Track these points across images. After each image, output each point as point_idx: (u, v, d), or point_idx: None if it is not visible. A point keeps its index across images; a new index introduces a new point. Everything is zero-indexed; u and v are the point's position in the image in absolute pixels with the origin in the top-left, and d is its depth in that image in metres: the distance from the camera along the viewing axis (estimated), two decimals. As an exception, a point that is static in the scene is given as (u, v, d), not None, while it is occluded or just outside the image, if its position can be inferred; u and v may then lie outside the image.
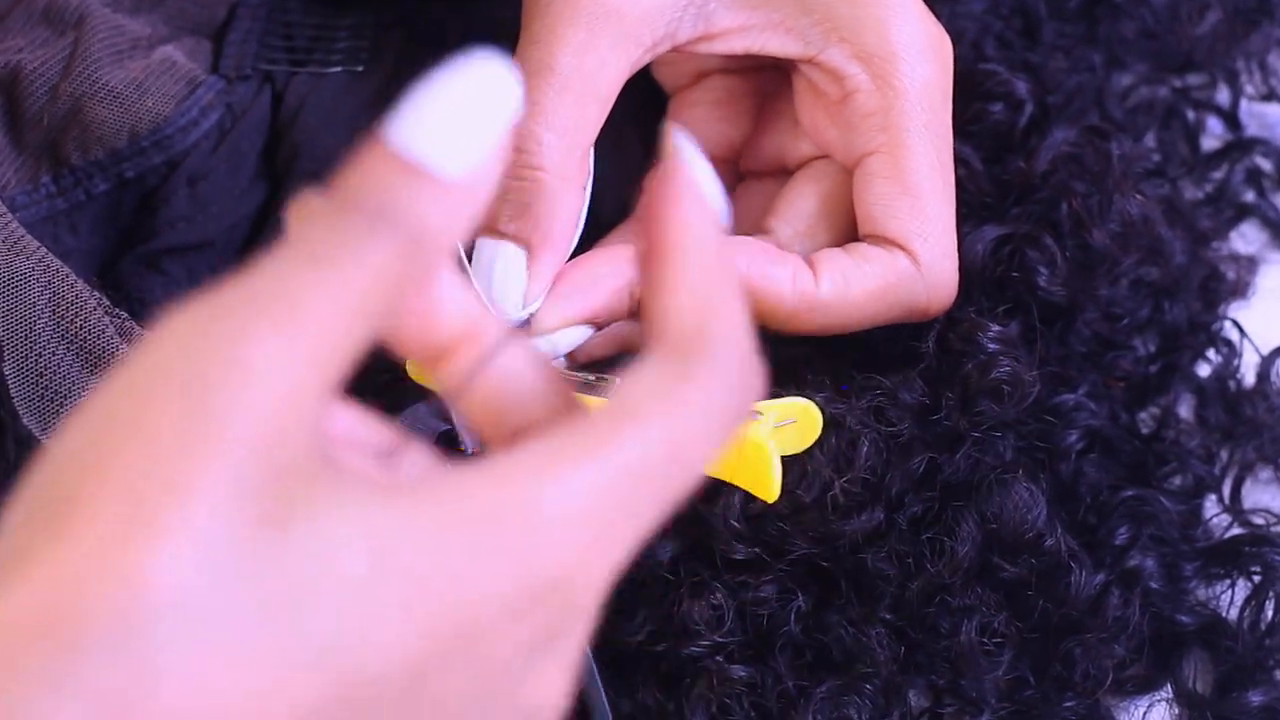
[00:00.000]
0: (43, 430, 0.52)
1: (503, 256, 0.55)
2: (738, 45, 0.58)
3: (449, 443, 0.55)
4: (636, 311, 0.58)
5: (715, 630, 0.54)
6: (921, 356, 0.57)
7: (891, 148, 0.57)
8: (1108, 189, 0.62)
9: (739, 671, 0.54)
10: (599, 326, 0.57)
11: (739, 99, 0.64)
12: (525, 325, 0.56)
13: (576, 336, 0.57)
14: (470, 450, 0.55)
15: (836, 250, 0.58)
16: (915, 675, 0.57)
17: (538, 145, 0.55)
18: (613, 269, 0.57)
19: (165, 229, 0.62)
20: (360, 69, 0.64)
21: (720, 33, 0.58)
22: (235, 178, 0.63)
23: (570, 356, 0.58)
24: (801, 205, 0.60)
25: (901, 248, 0.57)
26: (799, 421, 0.53)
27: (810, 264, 0.57)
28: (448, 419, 0.55)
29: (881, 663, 0.55)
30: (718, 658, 0.54)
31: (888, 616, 0.56)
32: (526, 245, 0.55)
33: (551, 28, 0.55)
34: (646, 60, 0.57)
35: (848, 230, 0.60)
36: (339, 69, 0.64)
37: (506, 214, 0.55)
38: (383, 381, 0.58)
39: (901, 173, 0.57)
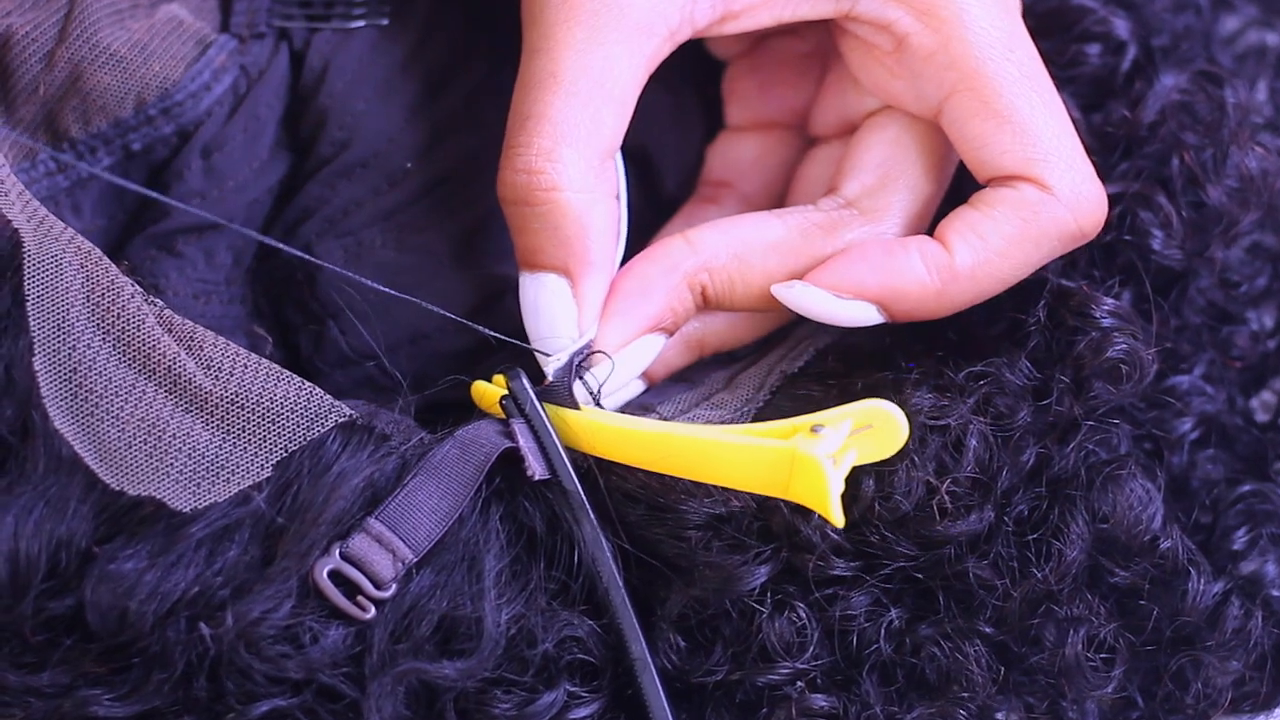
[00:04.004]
0: (76, 432, 0.47)
1: (545, 289, 0.51)
2: (764, 19, 0.54)
3: (512, 463, 0.50)
4: (704, 305, 0.53)
5: (798, 655, 0.49)
6: (1027, 335, 0.52)
7: (968, 83, 0.52)
8: (1223, 141, 0.56)
9: (820, 701, 0.49)
10: (670, 332, 0.53)
11: (798, 60, 0.59)
12: (589, 351, 0.51)
13: (649, 349, 0.53)
14: (536, 475, 0.49)
15: (960, 210, 0.52)
16: (1011, 697, 0.51)
17: (551, 163, 0.50)
18: (662, 265, 0.52)
19: (178, 207, 0.56)
20: (385, 22, 0.58)
21: (743, 9, 0.53)
22: (254, 148, 0.57)
23: (647, 374, 0.54)
24: (867, 159, 0.55)
25: (1023, 179, 0.52)
26: (877, 427, 0.47)
27: (938, 237, 0.52)
28: (513, 439, 0.50)
29: (979, 684, 0.50)
30: (799, 684, 0.49)
31: (987, 630, 0.50)
32: (565, 272, 0.51)
33: (549, 33, 0.51)
34: (668, 51, 0.53)
35: (921, 179, 0.55)
36: (362, 23, 0.58)
37: (537, 244, 0.51)
38: (448, 392, 0.53)
39: (989, 104, 0.52)
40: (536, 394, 0.50)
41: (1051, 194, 0.51)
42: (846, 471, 0.46)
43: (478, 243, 0.57)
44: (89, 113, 0.56)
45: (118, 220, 0.57)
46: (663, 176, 0.58)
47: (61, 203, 0.56)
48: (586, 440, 0.50)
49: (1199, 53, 0.61)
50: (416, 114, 0.57)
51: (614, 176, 0.52)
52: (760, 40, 0.59)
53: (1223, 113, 0.56)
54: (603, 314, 0.52)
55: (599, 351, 0.51)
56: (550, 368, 0.51)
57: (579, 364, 0.51)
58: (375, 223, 0.56)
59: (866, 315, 0.52)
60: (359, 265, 0.56)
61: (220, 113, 0.57)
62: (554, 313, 0.51)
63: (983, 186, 0.53)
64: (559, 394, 0.51)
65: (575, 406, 0.51)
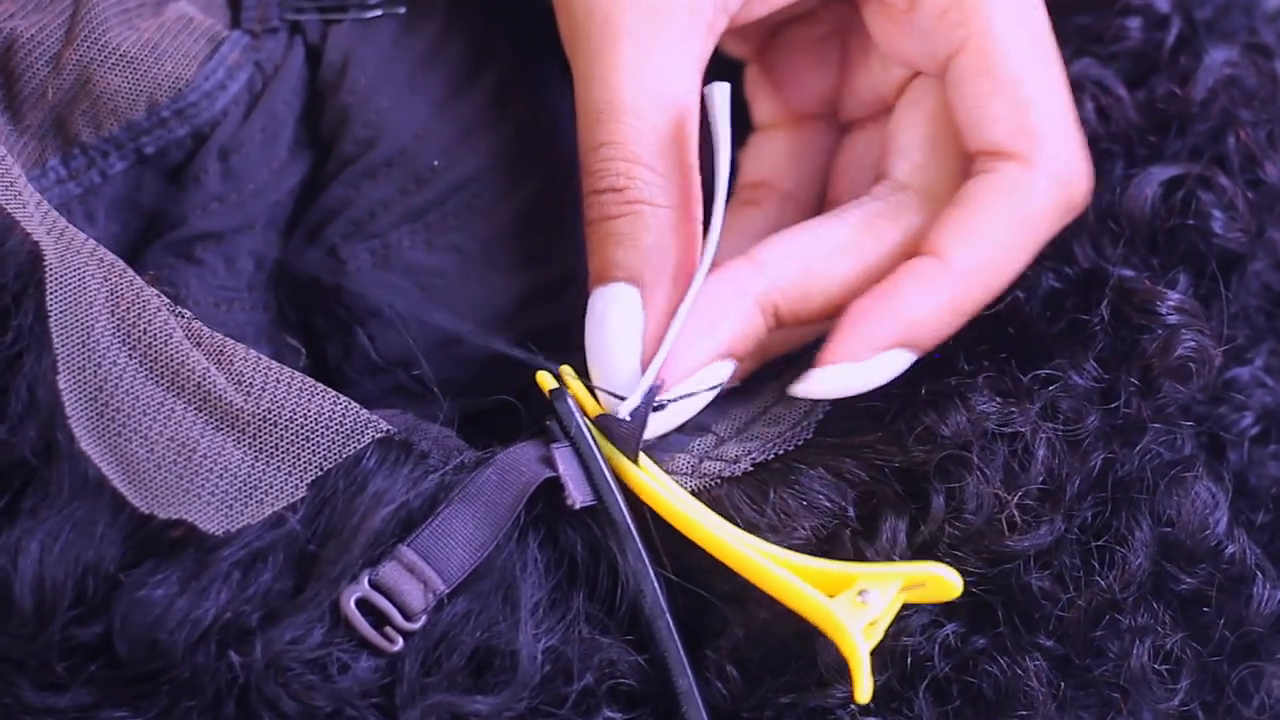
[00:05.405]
0: (102, 453, 0.45)
1: (616, 299, 0.49)
2: None
3: (553, 491, 0.48)
4: (775, 326, 0.51)
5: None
6: (1092, 336, 0.50)
7: (975, 42, 0.51)
8: (1278, 116, 0.54)
9: None
10: (739, 359, 0.51)
11: (816, 46, 0.58)
12: (657, 389, 0.49)
13: (721, 374, 0.50)
14: (577, 504, 0.47)
15: (945, 213, 0.51)
16: (1069, 714, 0.49)
17: (630, 180, 0.49)
18: (730, 289, 0.50)
19: (196, 212, 0.54)
20: (403, 10, 0.56)
21: None
22: (273, 148, 0.55)
23: None
24: (910, 138, 0.54)
25: (1006, 155, 0.50)
26: (928, 586, 0.46)
27: (929, 249, 0.50)
28: (553, 466, 0.48)
29: (1039, 700, 0.48)
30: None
31: (1048, 644, 0.48)
32: (636, 281, 0.49)
33: (598, 55, 0.50)
34: (713, 45, 0.51)
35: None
36: (379, 12, 0.56)
37: (613, 258, 0.49)
38: (491, 413, 0.51)
39: (992, 67, 0.51)
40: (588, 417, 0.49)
41: (1034, 169, 0.50)
42: (881, 635, 0.45)
43: (512, 241, 0.54)
44: (100, 116, 0.53)
45: (133, 227, 0.55)
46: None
47: (75, 210, 0.54)
48: (635, 482, 0.48)
49: (1242, 25, 0.59)
50: (443, 109, 0.55)
51: (696, 193, 0.50)
52: (775, 33, 0.57)
53: (1275, 86, 0.55)
54: (676, 335, 0.49)
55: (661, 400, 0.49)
56: (618, 408, 0.49)
57: (649, 406, 0.49)
58: (403, 224, 0.54)
59: (899, 362, 0.50)
60: (387, 269, 0.54)
61: (236, 112, 0.55)
62: (621, 322, 0.49)
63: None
64: (619, 434, 0.49)
65: (634, 458, 0.48)
